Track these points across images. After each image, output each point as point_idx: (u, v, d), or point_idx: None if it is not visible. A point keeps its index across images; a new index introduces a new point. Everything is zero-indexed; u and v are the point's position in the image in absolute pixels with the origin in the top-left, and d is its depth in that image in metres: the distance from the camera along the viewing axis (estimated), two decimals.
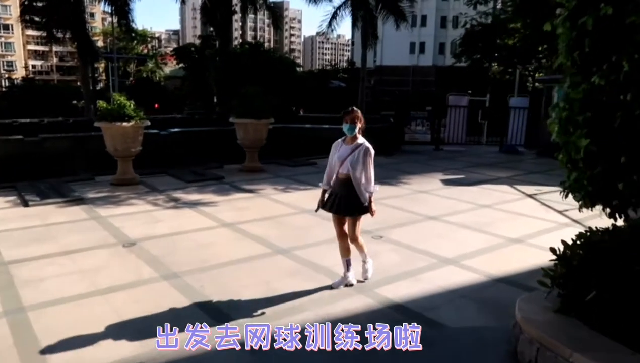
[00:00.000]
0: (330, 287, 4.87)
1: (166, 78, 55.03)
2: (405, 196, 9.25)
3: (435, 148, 16.09)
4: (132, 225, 7.05)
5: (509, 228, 7.15)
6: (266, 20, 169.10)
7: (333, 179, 4.78)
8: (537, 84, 20.51)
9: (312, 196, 9.16)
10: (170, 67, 61.35)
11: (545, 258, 5.81)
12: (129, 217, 7.51)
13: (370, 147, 4.68)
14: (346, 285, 4.87)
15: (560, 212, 8.18)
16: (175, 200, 8.62)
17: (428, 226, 7.32)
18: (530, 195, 9.48)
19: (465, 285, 5.07)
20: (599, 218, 7.94)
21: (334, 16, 24.67)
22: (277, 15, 24.08)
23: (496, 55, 36.08)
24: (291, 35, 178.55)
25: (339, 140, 4.82)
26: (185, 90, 39.33)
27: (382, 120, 15.76)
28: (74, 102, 32.79)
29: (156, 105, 33.16)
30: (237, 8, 22.77)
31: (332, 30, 24.91)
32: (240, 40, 58.83)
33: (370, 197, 4.72)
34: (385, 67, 59.84)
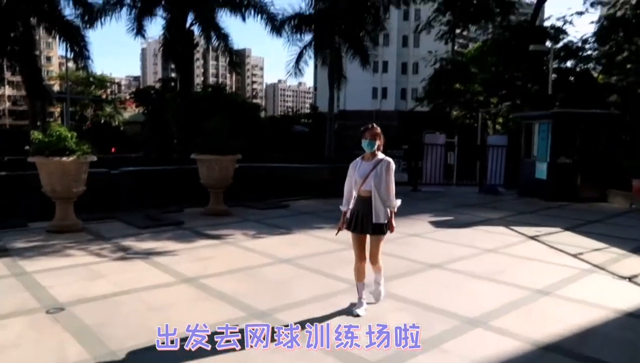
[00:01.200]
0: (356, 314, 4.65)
1: (125, 123, 53.22)
2: (396, 240, 8.03)
3: (413, 189, 15.14)
4: (64, 282, 5.53)
5: (527, 277, 6.03)
6: (228, 67, 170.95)
7: (354, 197, 4.71)
8: (510, 123, 20.29)
9: (288, 242, 7.93)
10: (130, 112, 59.64)
11: (589, 316, 4.66)
12: (61, 272, 5.97)
13: (392, 161, 4.65)
14: (357, 315, 4.64)
15: (575, 256, 7.18)
16: (123, 249, 7.12)
17: (433, 276, 6.12)
18: (532, 237, 8.48)
19: (508, 357, 3.84)
20: (619, 263, 7.23)
21: (300, 56, 24.04)
22: (235, 60, 23.02)
23: (460, 100, 36.68)
24: (253, 82, 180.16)
25: (357, 158, 4.75)
26: (146, 134, 37.83)
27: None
28: (27, 147, 30.58)
29: (113, 149, 31.37)
30: (199, 55, 21.83)
31: (299, 70, 24.18)
32: (202, 86, 57.78)
33: (392, 212, 4.70)
34: (349, 112, 60.06)
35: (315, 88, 76.95)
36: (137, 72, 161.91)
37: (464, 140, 19.05)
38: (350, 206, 4.73)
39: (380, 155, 4.65)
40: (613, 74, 18.41)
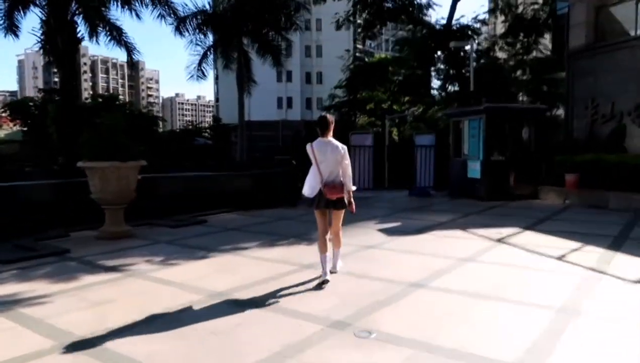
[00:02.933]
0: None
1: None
2: (352, 255, 6.56)
3: None
4: None
5: (538, 292, 4.80)
6: (120, 81, 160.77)
7: None
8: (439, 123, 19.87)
9: (216, 268, 6.00)
10: (7, 130, 52.68)
11: None
12: None
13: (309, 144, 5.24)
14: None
15: (561, 259, 6.15)
16: None
17: (423, 300, 4.66)
18: (499, 240, 7.41)
19: None
20: (613, 263, 6.34)
21: (204, 56, 21.95)
22: (131, 62, 20.12)
23: (367, 108, 36.66)
24: (149, 95, 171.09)
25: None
26: (26, 152, 33.10)
27: (280, 163, 13.14)
28: None
29: None
30: (87, 68, 18.82)
31: (202, 73, 22.04)
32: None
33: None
34: (254, 123, 58.23)
35: (217, 99, 74.02)
36: (14, 87, 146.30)
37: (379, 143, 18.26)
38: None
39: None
40: (523, 72, 18.75)
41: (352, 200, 5.34)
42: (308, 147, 5.24)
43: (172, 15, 17.42)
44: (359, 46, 59.94)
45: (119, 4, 17.02)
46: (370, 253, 6.69)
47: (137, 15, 17.32)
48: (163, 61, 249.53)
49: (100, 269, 5.95)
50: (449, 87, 26.14)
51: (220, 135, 54.86)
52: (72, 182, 8.81)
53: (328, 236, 5.37)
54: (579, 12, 14.08)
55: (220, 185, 11.14)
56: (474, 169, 12.95)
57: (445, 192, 14.52)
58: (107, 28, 15.92)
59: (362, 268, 5.83)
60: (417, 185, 14.53)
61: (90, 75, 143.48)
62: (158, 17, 17.28)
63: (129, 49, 16.50)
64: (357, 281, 5.32)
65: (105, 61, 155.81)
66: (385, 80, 26.11)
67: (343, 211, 5.38)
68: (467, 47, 16.03)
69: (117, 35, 16.01)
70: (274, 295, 4.82)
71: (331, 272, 5.30)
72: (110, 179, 7.64)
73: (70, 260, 6.47)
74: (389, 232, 8.25)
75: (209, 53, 22.48)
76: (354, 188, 5.38)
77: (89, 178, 7.81)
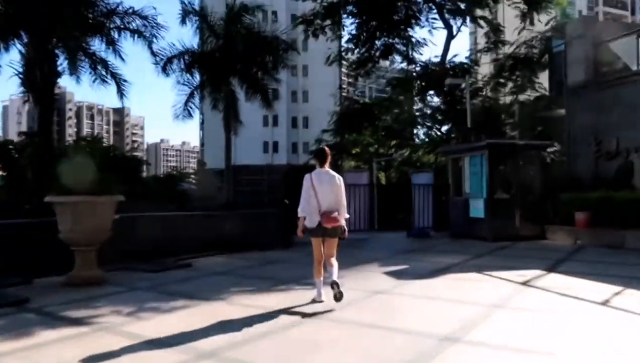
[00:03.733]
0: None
1: None
2: (363, 301, 5.67)
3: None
4: None
5: (596, 343, 3.93)
6: (105, 127, 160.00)
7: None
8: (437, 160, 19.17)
9: (204, 318, 4.86)
10: None
11: None
12: None
13: (308, 175, 5.50)
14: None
15: (605, 304, 5.32)
16: None
17: (470, 360, 3.74)
18: (525, 284, 6.56)
19: None
20: None
21: (190, 96, 21.36)
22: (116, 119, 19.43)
23: (353, 152, 36.42)
24: (134, 141, 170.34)
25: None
26: (4, 197, 31.78)
27: (271, 203, 12.30)
28: None
29: None
30: (72, 113, 18.13)
31: (188, 113, 21.38)
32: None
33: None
34: (239, 167, 57.58)
35: (202, 144, 73.48)
36: None
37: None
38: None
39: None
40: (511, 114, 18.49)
41: (345, 227, 5.61)
42: (307, 177, 5.47)
43: (155, 57, 16.82)
44: (345, 87, 60.55)
45: (103, 41, 16.47)
46: (383, 300, 5.79)
47: (121, 57, 16.73)
48: (148, 107, 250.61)
49: (62, 322, 4.93)
50: (441, 127, 25.91)
51: (204, 180, 53.97)
52: (38, 222, 7.81)
53: (323, 262, 5.59)
54: (577, 49, 13.85)
55: (207, 227, 10.19)
56: (477, 208, 12.23)
57: (446, 233, 13.73)
58: (91, 61, 15.24)
59: (379, 318, 4.92)
60: (415, 226, 13.72)
61: (75, 120, 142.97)
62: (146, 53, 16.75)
63: (117, 80, 15.76)
64: (377, 334, 4.40)
65: (90, 107, 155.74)
66: (373, 123, 25.74)
67: (337, 239, 5.58)
68: (463, 85, 15.71)
69: (103, 68, 15.30)
70: (278, 354, 3.87)
71: (333, 285, 5.31)
72: (83, 215, 6.69)
73: (28, 311, 5.44)
74: (397, 275, 7.35)
75: (195, 93, 21.92)
76: (347, 216, 5.69)
77: (58, 215, 6.85)
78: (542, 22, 17.74)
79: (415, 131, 31.23)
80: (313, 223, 5.43)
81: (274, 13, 59.95)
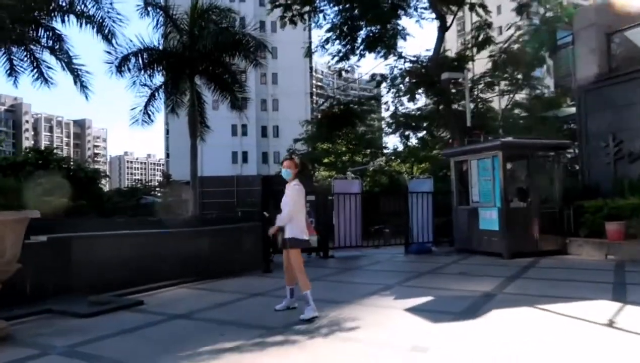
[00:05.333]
0: (274, 310, 5.57)
1: None
2: None
3: (323, 255, 10.91)
4: None
5: None
6: (65, 139, 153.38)
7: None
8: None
9: None
10: None
11: None
12: None
13: (296, 185, 5.54)
14: (289, 308, 5.62)
15: None
16: None
17: None
18: (611, 325, 4.70)
19: None
20: None
21: (151, 98, 19.02)
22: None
23: (326, 160, 34.86)
24: (96, 154, 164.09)
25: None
26: None
27: (244, 217, 10.22)
28: None
29: None
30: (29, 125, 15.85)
31: (148, 117, 19.00)
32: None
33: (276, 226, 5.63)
34: (208, 178, 55.04)
35: (167, 155, 70.31)
36: None
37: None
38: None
39: (293, 182, 5.57)
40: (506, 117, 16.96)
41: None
42: (299, 187, 5.54)
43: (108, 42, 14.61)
44: (316, 91, 59.06)
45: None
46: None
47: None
48: (111, 120, 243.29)
49: None
50: (418, 132, 24.40)
51: (170, 192, 51.19)
52: None
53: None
54: (588, 40, 12.35)
55: (169, 247, 7.98)
56: (489, 219, 10.44)
57: (448, 248, 11.95)
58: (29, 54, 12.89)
59: None
60: (413, 241, 11.83)
61: (32, 133, 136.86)
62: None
63: (74, 70, 13.53)
64: None
65: (49, 119, 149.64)
66: (354, 126, 24.01)
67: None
68: (461, 79, 14.00)
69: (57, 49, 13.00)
70: None
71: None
72: None
73: None
74: (426, 314, 5.35)
75: (157, 95, 19.60)
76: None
77: None
78: (540, 13, 16.29)
79: (384, 140, 30.05)
80: (304, 234, 5.50)
81: (242, 19, 58.02)
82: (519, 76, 16.48)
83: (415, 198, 11.95)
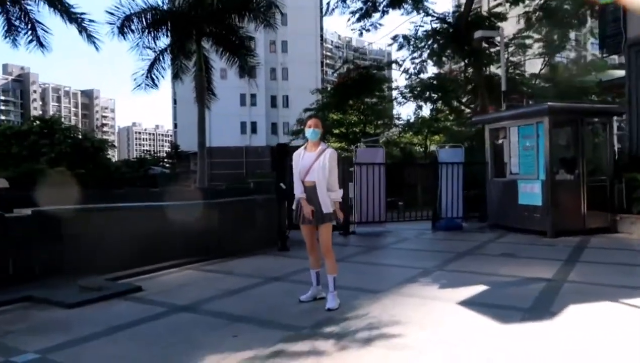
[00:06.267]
0: (299, 301, 4.61)
1: None
2: None
3: (343, 232, 9.88)
4: None
5: None
6: (73, 109, 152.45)
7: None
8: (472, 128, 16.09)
9: None
10: None
11: None
12: None
13: (333, 151, 4.64)
14: (316, 298, 4.70)
15: None
16: None
17: None
18: None
19: None
20: None
21: (155, 62, 17.88)
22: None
23: (335, 131, 33.86)
24: (104, 124, 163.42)
25: (300, 148, 4.74)
26: None
27: (256, 189, 9.22)
28: None
29: None
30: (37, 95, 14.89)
31: (152, 82, 17.90)
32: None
33: (336, 203, 4.62)
34: (216, 149, 54.06)
35: (175, 125, 69.25)
36: None
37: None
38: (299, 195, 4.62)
39: (324, 145, 4.65)
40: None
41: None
42: (335, 152, 4.71)
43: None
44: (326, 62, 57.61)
45: None
46: None
47: None
48: (120, 90, 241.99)
49: None
50: (436, 103, 23.09)
51: (178, 163, 50.41)
52: None
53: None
54: None
55: (171, 223, 6.98)
56: (531, 193, 9.32)
57: (478, 223, 10.90)
58: None
59: None
60: (443, 216, 10.78)
61: (40, 103, 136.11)
62: None
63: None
64: None
65: (57, 89, 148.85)
66: (372, 93, 22.71)
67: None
68: (498, 39, 12.65)
69: None
70: None
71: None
72: None
73: None
74: (485, 310, 4.30)
75: (161, 58, 18.44)
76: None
77: None
78: None
79: (396, 110, 28.89)
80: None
81: None
82: (555, 37, 15.04)
83: (445, 169, 10.83)
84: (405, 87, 24.63)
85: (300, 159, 4.65)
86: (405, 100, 26.61)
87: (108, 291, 5.19)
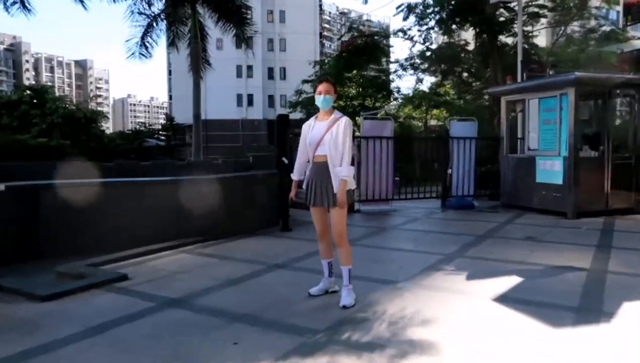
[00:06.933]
0: (308, 294, 3.99)
1: None
2: None
3: (347, 210, 9.22)
4: None
5: None
6: (67, 80, 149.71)
7: (309, 165, 3.97)
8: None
9: None
10: None
11: None
12: None
13: (349, 120, 3.88)
14: (328, 292, 4.09)
15: None
16: None
17: None
18: None
19: None
20: None
21: (149, 28, 16.93)
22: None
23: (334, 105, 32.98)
24: (98, 96, 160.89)
25: (311, 119, 4.04)
26: None
27: (256, 163, 8.55)
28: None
29: None
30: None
31: (145, 49, 16.99)
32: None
33: (343, 182, 3.77)
34: (212, 122, 53.06)
35: (170, 97, 67.88)
36: None
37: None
38: (307, 173, 4.00)
39: (337, 114, 3.91)
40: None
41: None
42: (350, 123, 3.90)
43: None
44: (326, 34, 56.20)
45: None
46: None
47: None
48: (115, 63, 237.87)
49: None
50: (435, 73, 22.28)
51: (173, 136, 49.46)
52: None
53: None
54: None
55: (163, 200, 6.31)
56: (551, 171, 8.67)
57: (489, 202, 10.30)
58: None
59: None
60: (453, 193, 10.15)
61: (33, 73, 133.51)
62: None
63: None
64: None
65: (49, 59, 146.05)
66: (379, 62, 21.82)
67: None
68: (514, 4, 11.78)
69: None
70: None
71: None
72: None
73: None
74: (528, 309, 3.69)
75: (155, 24, 17.48)
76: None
77: None
78: None
79: (396, 84, 28.11)
80: (354, 183, 4.03)
81: None
82: (572, 3, 14.15)
83: (456, 144, 10.15)
84: (410, 57, 23.75)
85: (310, 130, 3.96)
86: (405, 73, 25.79)
87: (89, 280, 4.54)
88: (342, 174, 3.78)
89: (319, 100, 3.91)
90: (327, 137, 3.83)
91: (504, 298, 3.97)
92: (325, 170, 3.85)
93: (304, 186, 4.04)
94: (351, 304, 3.78)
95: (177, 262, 5.41)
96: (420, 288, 4.34)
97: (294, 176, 4.13)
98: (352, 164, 4.15)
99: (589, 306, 3.79)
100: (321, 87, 3.91)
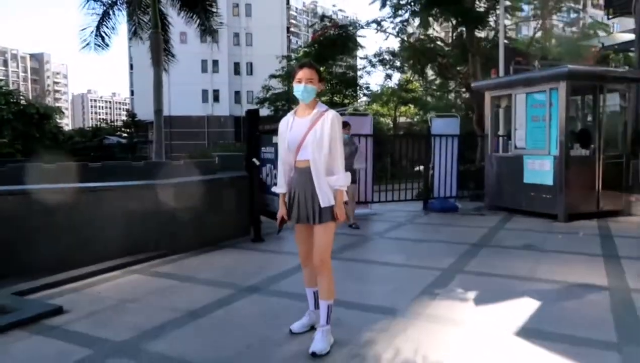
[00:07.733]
0: (290, 332, 3.27)
1: None
2: None
3: None
4: None
5: None
6: (22, 74, 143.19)
7: (291, 172, 3.18)
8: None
9: None
10: None
11: None
12: None
13: (337, 114, 3.07)
14: (314, 328, 3.23)
15: None
16: None
17: None
18: None
19: None
20: None
21: (104, 17, 15.67)
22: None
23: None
24: (55, 91, 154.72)
25: (288, 114, 3.21)
26: None
27: (222, 164, 7.67)
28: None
29: None
30: None
31: (101, 40, 15.73)
32: None
33: (338, 193, 3.06)
34: (176, 118, 51.42)
35: (132, 93, 65.46)
36: None
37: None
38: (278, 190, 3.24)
39: (322, 107, 3.11)
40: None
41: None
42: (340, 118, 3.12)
43: None
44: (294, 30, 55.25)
45: None
46: None
47: None
48: (74, 58, 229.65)
49: None
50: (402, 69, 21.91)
51: (136, 133, 47.57)
52: None
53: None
54: None
55: (113, 208, 5.36)
56: (540, 171, 8.13)
57: (471, 203, 9.75)
58: None
59: None
60: (434, 194, 9.52)
61: None
62: None
63: None
64: None
65: (3, 52, 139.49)
66: (351, 54, 21.19)
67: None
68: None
69: None
70: None
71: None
72: None
73: None
74: (562, 347, 3.01)
75: (111, 12, 16.21)
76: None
77: None
78: None
79: (364, 80, 27.84)
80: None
81: None
82: None
83: (439, 142, 9.51)
84: (379, 54, 23.16)
85: (289, 129, 3.13)
86: (373, 70, 25.29)
87: (11, 317, 3.61)
88: (339, 184, 3.05)
89: (298, 90, 3.08)
90: (309, 137, 3.05)
91: (527, 333, 3.27)
92: (308, 179, 3.08)
93: (285, 199, 3.22)
94: (323, 351, 2.98)
95: (126, 285, 4.51)
96: (422, 319, 3.60)
97: (279, 189, 3.25)
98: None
99: (631, 340, 3.13)
100: (301, 74, 3.08)
